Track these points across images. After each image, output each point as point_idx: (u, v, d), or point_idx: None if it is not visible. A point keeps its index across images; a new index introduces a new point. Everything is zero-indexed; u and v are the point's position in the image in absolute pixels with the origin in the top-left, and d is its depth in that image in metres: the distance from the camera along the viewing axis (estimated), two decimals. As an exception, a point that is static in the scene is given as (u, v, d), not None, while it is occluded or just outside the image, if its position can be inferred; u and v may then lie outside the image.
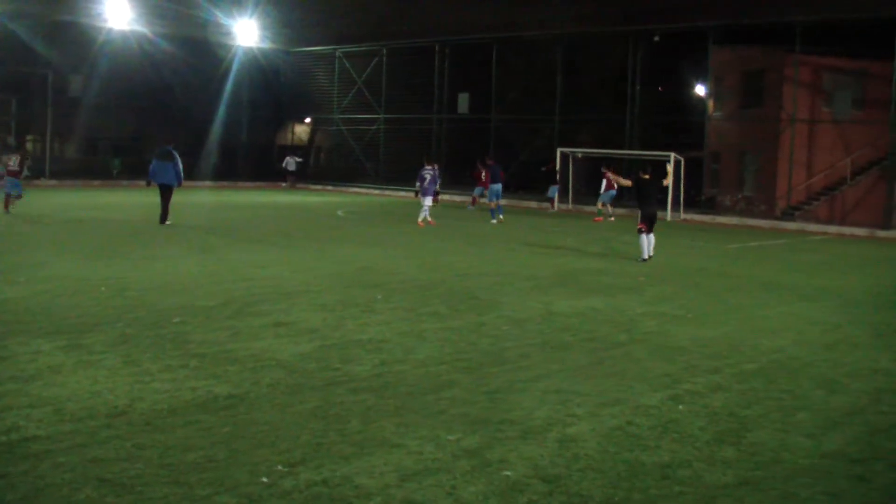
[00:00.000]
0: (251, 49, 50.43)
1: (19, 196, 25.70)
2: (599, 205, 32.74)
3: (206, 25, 46.18)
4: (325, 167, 54.70)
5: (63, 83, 44.42)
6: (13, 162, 25.96)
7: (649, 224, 19.58)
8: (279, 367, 8.98)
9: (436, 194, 26.84)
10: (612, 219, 31.89)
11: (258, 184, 49.77)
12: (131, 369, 8.66)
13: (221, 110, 47.66)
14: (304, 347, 9.90)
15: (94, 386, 8.03)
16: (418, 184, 27.08)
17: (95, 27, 44.05)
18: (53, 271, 14.93)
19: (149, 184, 24.89)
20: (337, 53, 51.11)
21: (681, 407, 8.20)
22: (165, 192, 23.99)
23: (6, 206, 25.59)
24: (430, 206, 26.94)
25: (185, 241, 20.39)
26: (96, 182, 43.99)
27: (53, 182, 43.56)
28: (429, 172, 26.73)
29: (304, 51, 51.77)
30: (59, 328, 10.37)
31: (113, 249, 17.16)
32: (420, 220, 26.70)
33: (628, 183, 21.43)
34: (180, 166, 24.10)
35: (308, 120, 56.73)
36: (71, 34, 43.91)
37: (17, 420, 7.01)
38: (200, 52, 47.28)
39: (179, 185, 24.26)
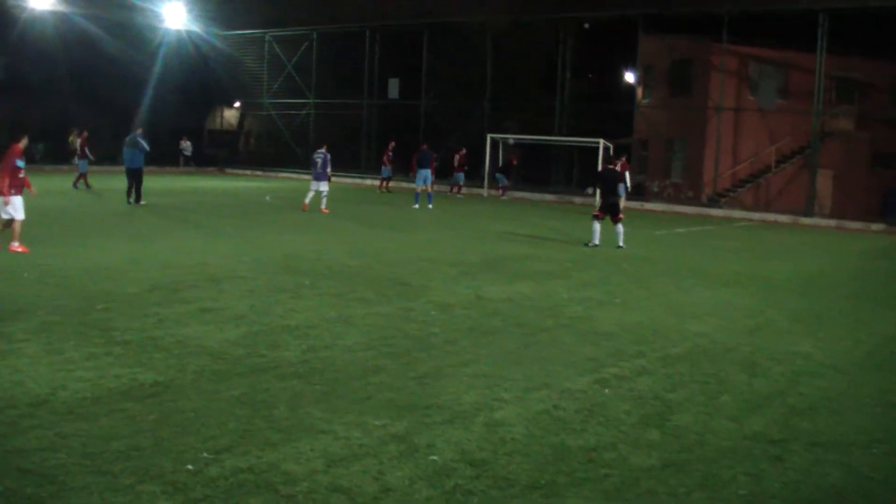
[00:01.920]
0: (180, 32, 49.69)
1: None
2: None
3: (134, 7, 45.40)
4: (254, 152, 54.22)
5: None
6: None
7: (613, 212, 19.85)
8: (205, 354, 8.90)
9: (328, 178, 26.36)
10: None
11: (185, 169, 49.19)
12: (54, 357, 8.51)
13: (149, 94, 46.86)
14: (230, 334, 9.82)
15: (15, 375, 7.88)
16: (313, 168, 26.50)
17: (16, 7, 43.00)
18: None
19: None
20: (267, 37, 50.63)
21: (606, 391, 8.32)
22: (136, 177, 26.05)
23: None
24: (326, 192, 26.22)
25: (111, 228, 20.08)
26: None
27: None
28: (320, 156, 26.25)
29: (234, 34, 51.17)
30: (-21, 316, 10.15)
31: (35, 236, 16.80)
32: (320, 207, 26.04)
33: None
34: (146, 148, 26.37)
35: (237, 104, 56.13)
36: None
37: (-66, 410, 6.86)
38: (128, 35, 46.42)
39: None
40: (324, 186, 26.09)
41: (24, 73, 43.27)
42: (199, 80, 51.04)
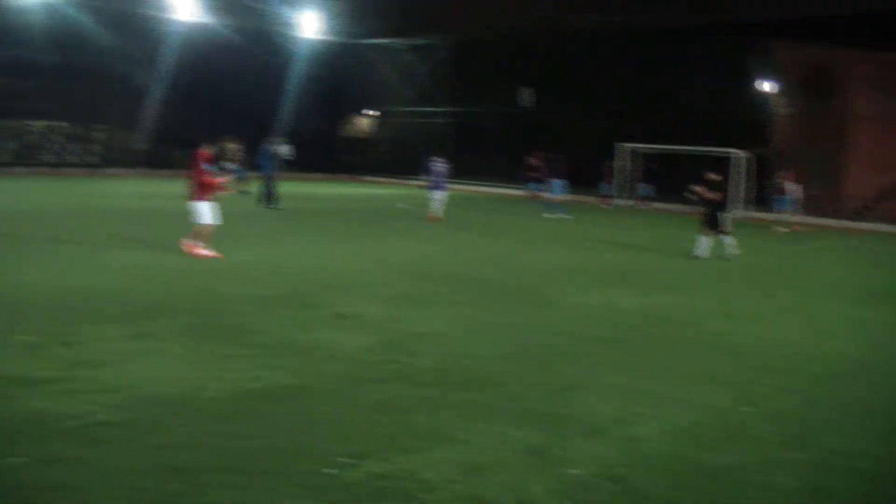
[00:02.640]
0: (313, 40, 50.70)
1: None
2: (784, 214, 29.57)
3: (270, 17, 46.57)
4: (386, 160, 54.81)
5: (131, 74, 45.10)
6: None
7: (714, 224, 19.39)
8: (341, 359, 9.01)
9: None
10: (788, 230, 28.84)
11: (319, 175, 50.08)
12: (196, 358, 8.75)
13: (283, 102, 47.97)
14: (365, 340, 9.92)
15: (161, 373, 8.13)
16: (430, 177, 26.56)
17: (161, 18, 44.63)
18: (120, 259, 15.14)
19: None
20: (399, 46, 51.19)
21: (747, 408, 8.08)
22: (269, 182, 27.40)
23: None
24: (441, 200, 26.19)
25: (245, 232, 20.59)
26: (160, 172, 44.53)
27: (120, 171, 44.29)
28: (438, 165, 26.29)
29: (367, 43, 51.91)
30: (127, 315, 10.51)
31: (174, 238, 17.37)
32: (434, 214, 25.94)
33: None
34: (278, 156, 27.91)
35: (370, 112, 56.94)
36: (137, 25, 44.58)
37: (88, 405, 7.11)
38: (264, 44, 47.67)
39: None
40: (442, 195, 26.12)
41: (165, 82, 44.84)
42: (332, 88, 51.97)
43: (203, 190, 15.80)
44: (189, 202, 15.95)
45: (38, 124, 47.49)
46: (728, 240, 19.53)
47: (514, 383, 8.47)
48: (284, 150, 29.52)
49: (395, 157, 52.66)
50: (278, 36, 48.87)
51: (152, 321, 10.23)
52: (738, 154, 33.54)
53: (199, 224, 15.84)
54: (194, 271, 14.16)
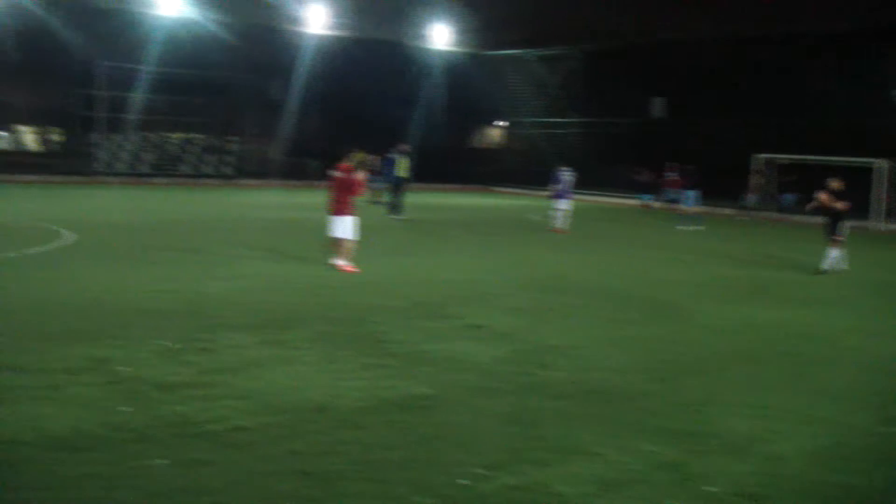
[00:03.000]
0: (444, 52, 51.17)
1: None
2: None
3: (403, 29, 47.25)
4: (516, 170, 54.78)
5: (264, 87, 46.36)
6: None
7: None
8: (474, 370, 9.03)
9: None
10: None
11: (451, 186, 50.43)
12: (330, 366, 8.91)
13: (414, 113, 48.52)
14: (498, 351, 9.93)
15: (296, 381, 8.30)
16: (556, 186, 26.13)
17: (294, 32, 45.76)
18: (255, 269, 15.56)
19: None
20: (529, 57, 51.19)
21: (887, 429, 7.76)
22: (397, 191, 28.02)
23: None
24: (565, 211, 25.73)
25: (373, 242, 20.88)
26: (293, 183, 45.59)
27: (255, 182, 45.56)
28: (564, 175, 25.92)
29: (497, 54, 52.10)
30: (261, 323, 10.78)
31: (308, 249, 17.74)
32: (558, 225, 25.63)
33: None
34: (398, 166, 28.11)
35: (501, 123, 57.09)
36: (271, 39, 45.83)
37: (225, 410, 7.32)
38: (394, 56, 48.35)
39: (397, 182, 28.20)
40: (566, 205, 25.76)
41: (299, 94, 45.91)
42: (464, 99, 52.27)
43: (346, 204, 15.65)
44: (332, 216, 15.82)
45: (177, 136, 49.34)
46: (836, 252, 18.49)
47: (647, 397, 8.35)
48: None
49: (525, 168, 52.47)
50: (411, 48, 49.51)
51: (287, 330, 10.47)
52: (880, 164, 32.33)
53: (343, 239, 15.70)
54: (327, 281, 14.42)
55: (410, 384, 8.39)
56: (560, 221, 25.70)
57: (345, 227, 15.67)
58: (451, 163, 52.21)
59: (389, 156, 28.50)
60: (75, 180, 41.83)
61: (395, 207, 27.76)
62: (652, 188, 37.87)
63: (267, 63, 45.74)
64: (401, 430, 7.05)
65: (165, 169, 45.82)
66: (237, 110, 48.41)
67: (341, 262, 15.64)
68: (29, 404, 7.25)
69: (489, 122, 57.59)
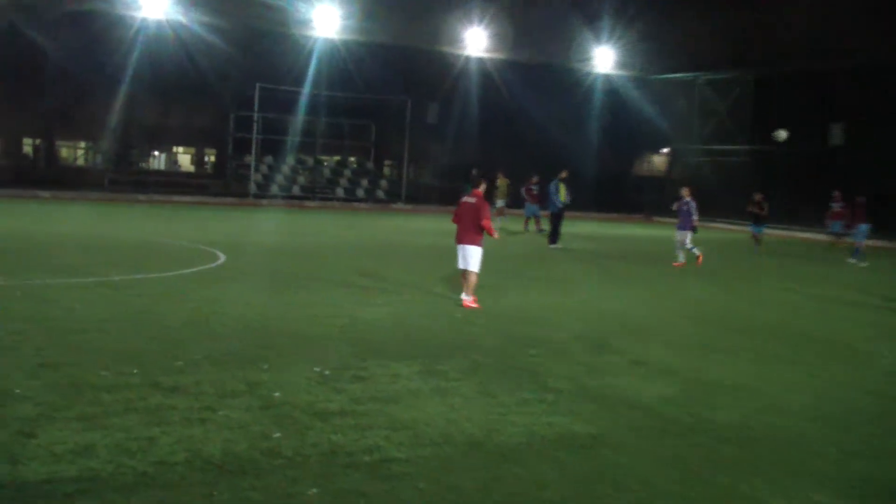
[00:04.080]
0: (608, 75, 50.92)
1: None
2: None
3: (563, 51, 47.28)
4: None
5: (421, 109, 47.16)
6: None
7: None
8: (637, 409, 8.87)
9: (693, 228, 24.49)
10: None
11: (613, 215, 50.01)
12: (486, 399, 8.89)
13: (575, 139, 48.37)
14: (663, 389, 9.74)
15: (451, 413, 8.32)
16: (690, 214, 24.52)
17: (453, 54, 46.37)
18: (405, 295, 15.73)
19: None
20: (698, 81, 50.44)
21: None
22: (554, 219, 27.90)
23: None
24: (687, 242, 24.36)
25: (530, 271, 20.85)
26: (450, 208, 46.10)
27: (409, 207, 46.29)
28: (684, 203, 24.60)
29: (662, 78, 51.51)
30: (416, 352, 10.87)
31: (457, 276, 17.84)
32: (682, 259, 24.39)
33: None
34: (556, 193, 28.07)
35: (664, 150, 56.37)
36: (428, 61, 46.60)
37: (378, 440, 7.39)
38: (556, 79, 48.41)
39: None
40: (684, 236, 24.47)
41: (456, 118, 46.49)
42: (627, 124, 51.87)
43: (474, 233, 14.85)
44: (463, 246, 14.95)
45: (331, 159, 50.64)
46: None
47: (825, 444, 8.05)
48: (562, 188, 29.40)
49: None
50: (573, 71, 49.45)
51: (442, 359, 10.52)
52: None
53: (467, 271, 14.92)
54: (482, 310, 14.44)
55: (571, 421, 8.30)
56: (682, 253, 24.56)
57: (470, 257, 14.87)
58: (612, 191, 51.82)
59: (552, 184, 28.43)
60: (228, 202, 43.36)
61: (553, 236, 27.70)
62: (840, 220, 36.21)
63: (424, 85, 46.56)
64: (559, 469, 6.98)
65: (318, 192, 47.02)
66: (392, 133, 49.36)
67: (465, 298, 14.90)
68: (182, 426, 7.48)
69: (653, 149, 56.94)
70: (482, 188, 15.37)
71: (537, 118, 46.73)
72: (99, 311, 12.36)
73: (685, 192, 25.04)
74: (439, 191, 48.80)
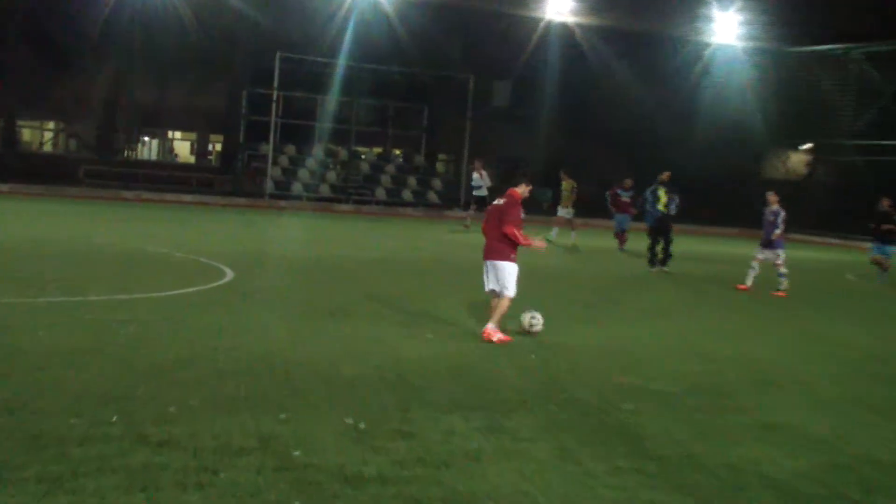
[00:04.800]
0: (729, 48, 50.40)
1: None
2: None
3: (674, 18, 47.04)
4: (823, 211, 53.16)
5: (486, 90, 47.07)
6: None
7: None
8: (767, 487, 8.71)
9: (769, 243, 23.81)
10: None
11: (729, 230, 49.56)
12: (568, 466, 8.80)
13: (683, 130, 47.94)
14: (801, 463, 9.56)
15: (522, 483, 8.24)
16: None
17: (528, 19, 46.27)
18: (465, 326, 15.62)
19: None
20: (854, 55, 49.80)
21: None
22: (662, 234, 27.69)
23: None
24: (779, 261, 23.99)
25: (624, 298, 20.72)
26: (525, 217, 45.94)
27: (468, 214, 46.19)
28: (771, 214, 24.23)
29: (805, 51, 50.89)
30: (476, 402, 10.79)
31: (541, 305, 17.73)
32: (781, 286, 23.85)
33: None
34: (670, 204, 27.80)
35: (803, 146, 55.73)
36: (497, 29, 46.52)
37: (434, 517, 7.34)
38: (659, 52, 48.12)
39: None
40: (769, 255, 24.29)
41: (532, 101, 46.38)
42: (755, 112, 51.27)
43: (503, 244, 14.73)
44: (492, 262, 14.81)
45: (371, 151, 50.69)
46: None
47: None
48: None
49: (837, 208, 50.60)
50: (684, 42, 49.02)
51: (510, 412, 10.43)
52: None
53: (497, 295, 14.78)
54: (563, 350, 14.33)
55: (677, 499, 8.19)
56: (758, 277, 24.21)
57: (501, 277, 14.72)
58: (731, 198, 51.23)
59: (647, 192, 27.85)
60: (238, 203, 43.62)
61: (652, 255, 27.33)
62: None
63: (491, 59, 46.48)
64: (666, 563, 6.86)
65: (353, 193, 47.08)
66: (449, 120, 49.28)
67: (490, 327, 14.64)
68: (174, 491, 7.46)
69: (789, 145, 56.29)
70: (522, 188, 15.19)
71: (635, 103, 46.47)
72: (70, 341, 12.44)
73: (772, 199, 24.78)
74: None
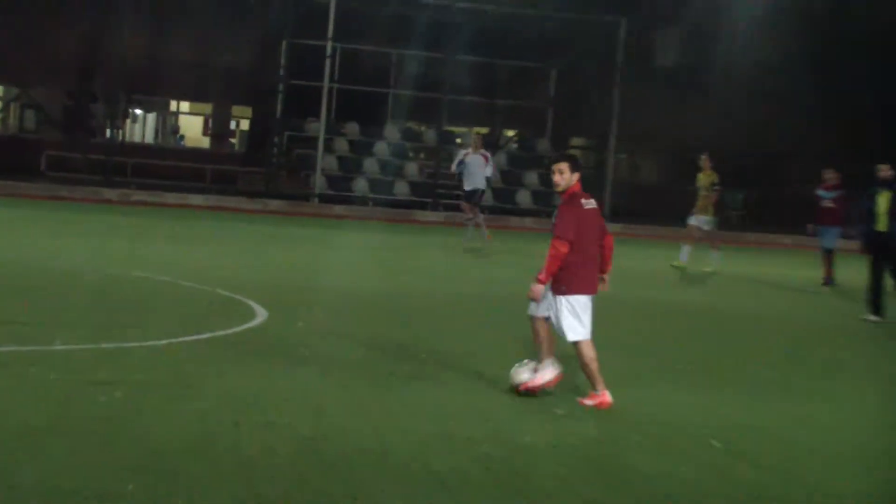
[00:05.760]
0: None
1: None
2: None
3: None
4: None
5: (644, 44, 47.04)
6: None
7: None
8: None
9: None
10: None
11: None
12: None
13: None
14: None
15: None
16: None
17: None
18: (613, 394, 15.53)
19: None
20: None
21: None
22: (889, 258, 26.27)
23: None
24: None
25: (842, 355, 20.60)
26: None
27: (616, 228, 46.17)
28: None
29: None
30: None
31: (720, 365, 17.61)
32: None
33: None
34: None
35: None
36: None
37: None
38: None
39: None
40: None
41: (708, 62, 46.39)
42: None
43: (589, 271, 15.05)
44: (547, 293, 15.08)
45: (470, 133, 50.89)
46: None
47: None
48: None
49: None
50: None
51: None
52: None
53: (575, 342, 15.00)
54: (745, 437, 14.15)
55: None
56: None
57: (554, 311, 15.03)
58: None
59: (871, 189, 27.12)
60: (274, 208, 43.80)
61: (880, 298, 26.33)
62: None
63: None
64: None
65: (442, 195, 46.86)
66: (588, 87, 49.25)
67: (591, 401, 14.83)
68: None
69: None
70: (575, 178, 15.70)
71: (859, 67, 46.17)
72: (31, 413, 12.50)
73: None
74: (674, 195, 48.31)
